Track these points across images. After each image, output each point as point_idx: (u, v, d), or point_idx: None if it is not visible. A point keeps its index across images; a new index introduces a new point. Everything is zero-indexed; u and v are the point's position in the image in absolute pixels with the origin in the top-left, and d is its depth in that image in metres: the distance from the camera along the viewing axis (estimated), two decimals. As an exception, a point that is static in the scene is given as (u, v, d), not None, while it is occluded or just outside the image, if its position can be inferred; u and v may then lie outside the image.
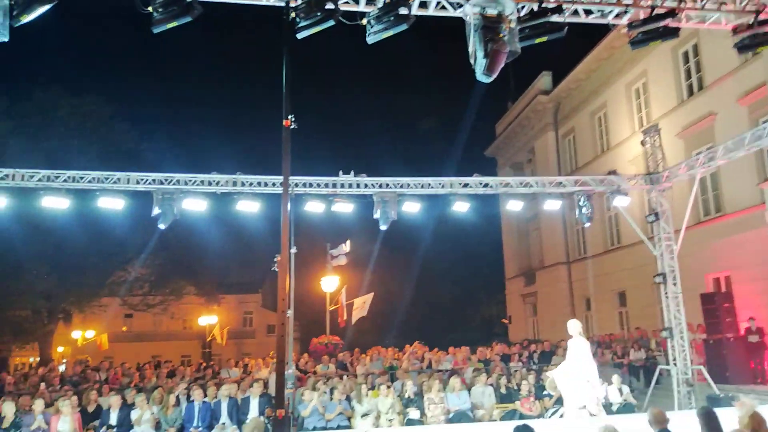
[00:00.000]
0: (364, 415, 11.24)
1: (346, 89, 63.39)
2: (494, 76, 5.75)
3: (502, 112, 33.45)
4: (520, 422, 5.48)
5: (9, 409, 10.60)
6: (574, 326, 9.48)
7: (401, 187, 12.37)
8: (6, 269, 22.64)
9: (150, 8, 5.37)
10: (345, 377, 13.81)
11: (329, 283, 21.39)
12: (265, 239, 26.89)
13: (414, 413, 11.36)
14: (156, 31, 5.40)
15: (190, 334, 42.10)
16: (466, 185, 12.66)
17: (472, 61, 5.92)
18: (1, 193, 11.14)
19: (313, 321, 29.04)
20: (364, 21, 6.00)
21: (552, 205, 13.47)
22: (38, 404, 10.73)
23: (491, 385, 12.52)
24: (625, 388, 12.30)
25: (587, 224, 13.36)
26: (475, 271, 41.00)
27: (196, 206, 11.93)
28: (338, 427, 10.96)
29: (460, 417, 11.42)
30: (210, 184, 11.95)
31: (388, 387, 11.76)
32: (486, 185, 12.80)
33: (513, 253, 32.95)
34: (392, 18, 5.98)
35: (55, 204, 11.28)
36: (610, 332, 20.72)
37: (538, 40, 6.45)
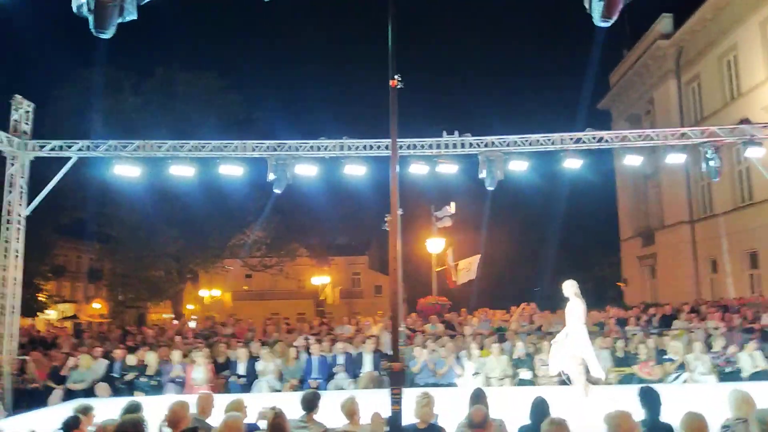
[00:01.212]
0: (475, 373, 11.35)
1: (449, 46, 62.08)
2: (613, 19, 5.35)
3: (617, 61, 31.22)
4: (640, 386, 5.29)
5: (152, 358, 11.90)
6: (569, 287, 8.71)
7: (507, 145, 12.03)
8: (141, 234, 25.06)
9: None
10: (453, 337, 13.95)
11: (435, 244, 21.51)
12: (370, 202, 27.48)
13: (525, 374, 11.30)
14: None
15: (304, 293, 44.38)
16: (578, 140, 12.07)
17: (586, 4, 5.56)
18: (134, 163, 12.21)
19: (419, 282, 29.46)
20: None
21: (675, 159, 12.53)
22: (176, 355, 11.94)
23: (606, 348, 12.11)
24: (758, 354, 11.41)
25: (716, 179, 12.31)
26: (587, 231, 39.14)
27: (307, 171, 12.39)
28: (448, 385, 11.16)
29: (573, 379, 11.18)
30: (319, 149, 12.33)
31: (500, 347, 11.75)
32: (600, 140, 12.11)
33: (629, 213, 31.14)
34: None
35: (182, 172, 12.19)
36: (739, 296, 19.16)
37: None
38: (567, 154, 11.96)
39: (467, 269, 19.43)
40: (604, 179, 31.37)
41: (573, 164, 12.00)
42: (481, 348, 12.19)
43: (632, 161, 12.68)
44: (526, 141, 12.06)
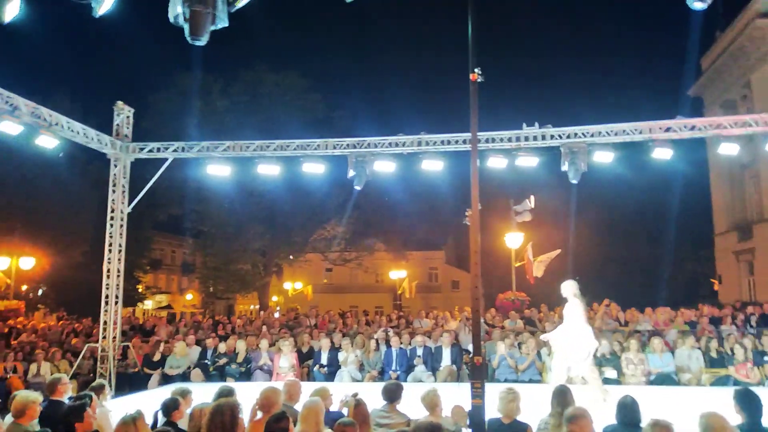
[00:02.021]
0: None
1: (529, 34, 60.43)
2: (710, 0, 5.06)
3: (709, 44, 29.29)
4: (736, 389, 5.00)
5: (241, 346, 12.54)
6: (568, 287, 8.58)
7: (591, 135, 11.62)
8: (230, 230, 26.38)
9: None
10: (533, 333, 13.71)
11: (514, 239, 21.15)
12: (447, 197, 27.42)
13: (610, 372, 10.95)
14: (349, 0, 5.74)
15: (382, 287, 44.91)
16: (667, 129, 11.46)
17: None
18: (224, 162, 12.87)
19: (498, 278, 29.10)
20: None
21: (776, 147, 11.62)
22: (263, 344, 12.52)
23: (698, 348, 11.51)
24: None
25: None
26: (677, 225, 36.81)
27: (385, 167, 12.55)
28: (530, 381, 11.01)
29: (663, 379, 10.74)
30: (397, 145, 12.45)
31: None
32: (692, 128, 11.43)
33: (724, 205, 29.22)
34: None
35: (268, 171, 12.71)
36: None
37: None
38: (656, 143, 11.39)
39: (545, 262, 18.98)
40: (697, 170, 29.57)
41: (663, 154, 11.42)
42: (564, 345, 11.89)
43: (728, 150, 11.85)
44: (612, 131, 11.60)
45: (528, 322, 15.13)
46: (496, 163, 11.94)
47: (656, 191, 33.70)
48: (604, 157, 11.61)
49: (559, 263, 19.41)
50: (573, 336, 8.46)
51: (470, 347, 11.38)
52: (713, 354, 11.34)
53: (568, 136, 11.68)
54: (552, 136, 11.77)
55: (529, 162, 11.85)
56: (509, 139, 11.97)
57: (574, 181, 11.56)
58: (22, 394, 5.47)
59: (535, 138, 11.86)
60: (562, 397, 5.54)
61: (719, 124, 11.51)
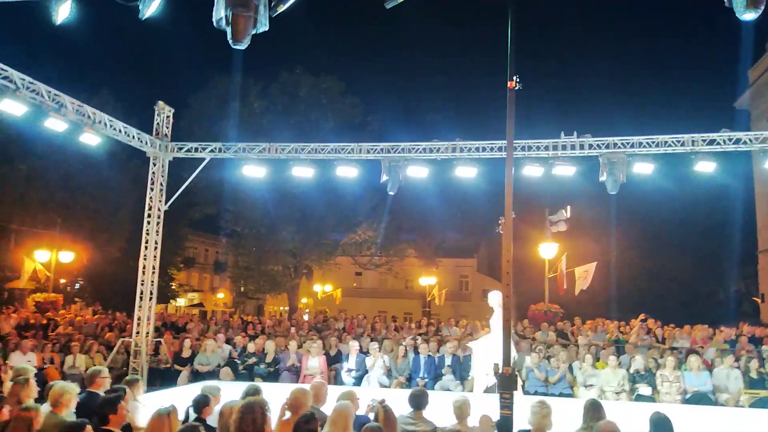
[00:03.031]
0: (588, 385, 10.88)
1: (568, 42, 59.63)
2: (761, 9, 4.86)
3: (758, 55, 28.41)
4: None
5: (270, 346, 12.63)
6: (494, 298, 8.76)
7: (632, 146, 11.37)
8: (263, 230, 26.71)
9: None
10: (566, 346, 13.47)
11: (548, 249, 20.82)
12: (480, 205, 27.21)
13: (644, 389, 10.65)
14: (389, 6, 5.75)
15: (411, 293, 44.80)
16: (711, 142, 11.13)
17: (726, -3, 5.11)
18: (260, 164, 13.03)
19: (530, 288, 28.71)
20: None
21: (827, 163, 11.16)
22: (292, 345, 12.59)
23: (737, 368, 11.10)
24: None
25: None
26: (719, 241, 35.77)
27: (418, 173, 12.52)
28: (559, 394, 10.80)
29: (699, 398, 10.39)
30: (431, 150, 12.40)
31: (617, 360, 11.18)
32: (737, 141, 11.07)
33: (768, 221, 28.25)
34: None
35: (303, 173, 12.81)
36: None
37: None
38: (699, 156, 11.08)
39: (584, 278, 18.60)
40: (741, 184, 28.66)
41: (705, 168, 11.09)
42: (596, 359, 11.65)
43: (775, 165, 11.47)
44: (653, 142, 11.34)
45: (560, 335, 14.86)
46: (532, 171, 11.78)
47: (698, 205, 32.74)
48: (644, 169, 11.34)
49: (595, 275, 19.02)
50: (496, 346, 8.47)
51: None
52: (753, 374, 10.93)
53: (607, 146, 11.46)
54: (590, 146, 11.57)
55: (565, 171, 11.65)
56: (546, 148, 11.81)
57: (613, 192, 11.32)
58: (59, 385, 5.60)
59: (572, 147, 11.67)
60: (594, 411, 5.41)
61: (766, 138, 11.12)
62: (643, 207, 32.11)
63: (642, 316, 15.79)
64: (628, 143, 11.37)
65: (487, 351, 8.73)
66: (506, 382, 5.71)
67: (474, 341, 9.46)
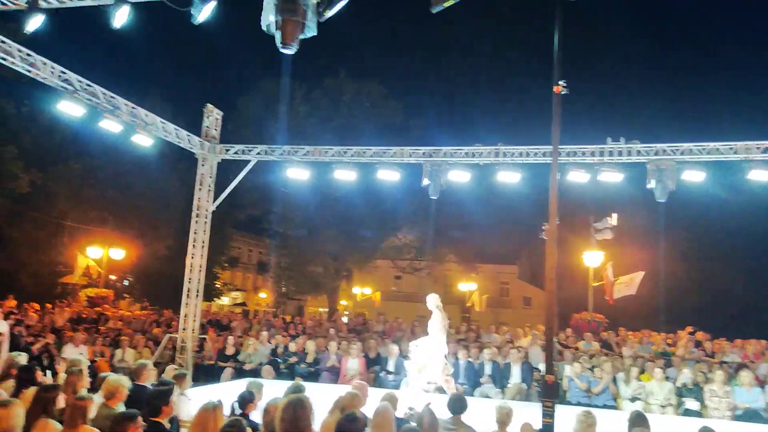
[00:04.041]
0: (633, 398, 10.61)
1: (617, 46, 58.08)
2: None
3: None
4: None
5: (311, 347, 12.81)
6: (432, 300, 9.25)
7: (681, 153, 11.06)
8: (305, 232, 27.07)
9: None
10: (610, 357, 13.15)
11: (592, 257, 20.39)
12: (523, 210, 26.80)
13: (692, 404, 10.33)
14: (435, 11, 5.78)
15: (450, 299, 44.31)
16: (766, 150, 10.72)
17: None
18: (304, 166, 13.25)
19: (573, 296, 28.19)
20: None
21: None
22: (332, 346, 12.72)
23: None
24: None
25: None
26: (776, 253, 34.27)
27: (460, 177, 12.48)
28: (603, 406, 10.55)
29: (750, 415, 9.99)
30: (474, 155, 12.34)
31: (663, 373, 10.86)
32: (795, 150, 10.64)
33: (829, 233, 26.90)
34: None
35: (345, 176, 12.96)
36: None
37: None
38: (752, 164, 10.69)
39: (627, 284, 18.14)
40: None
41: (760, 176, 10.69)
42: (642, 371, 11.35)
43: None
44: (704, 149, 10.99)
45: (604, 345, 14.51)
46: (577, 177, 11.60)
47: (751, 215, 31.33)
48: (695, 177, 11.02)
49: (642, 285, 18.52)
50: (431, 347, 9.07)
51: (541, 366, 11.11)
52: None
53: (656, 153, 11.18)
54: (638, 152, 11.32)
55: (612, 178, 11.42)
56: (592, 153, 11.61)
57: (661, 200, 11.03)
58: (114, 377, 5.82)
59: (620, 153, 11.44)
60: (639, 423, 5.30)
61: (827, 146, 10.63)
62: (692, 215, 30.96)
63: (689, 329, 15.28)
64: (677, 150, 11.07)
65: (422, 351, 9.21)
66: (549, 390, 5.64)
67: (414, 341, 9.81)
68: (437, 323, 9.15)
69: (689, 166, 10.97)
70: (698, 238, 34.19)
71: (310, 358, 12.55)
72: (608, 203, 20.38)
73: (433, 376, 9.16)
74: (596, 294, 19.45)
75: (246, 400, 5.50)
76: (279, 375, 12.16)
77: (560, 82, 6.35)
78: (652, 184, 11.02)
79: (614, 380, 11.19)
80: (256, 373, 12.11)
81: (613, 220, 19.50)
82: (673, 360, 12.28)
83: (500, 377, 11.52)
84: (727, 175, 11.75)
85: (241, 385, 6.52)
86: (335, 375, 11.99)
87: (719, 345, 14.22)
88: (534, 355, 12.74)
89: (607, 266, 19.34)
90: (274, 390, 6.43)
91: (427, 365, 9.12)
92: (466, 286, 36.97)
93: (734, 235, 34.81)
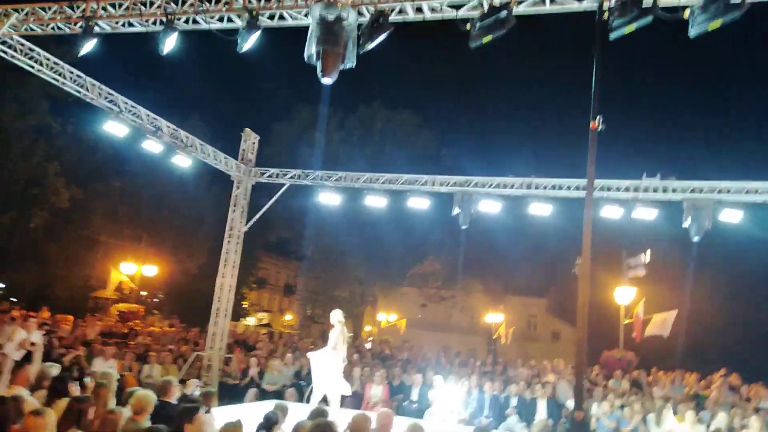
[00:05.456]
0: (664, 440, 10.28)
1: (655, 82, 57.52)
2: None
3: None
4: None
5: (335, 371, 12.73)
6: (335, 315, 9.68)
7: (719, 192, 10.88)
8: (333, 256, 27.21)
9: (467, 26, 5.92)
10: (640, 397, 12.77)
11: (624, 294, 19.97)
12: (552, 243, 26.50)
13: (726, 450, 9.93)
14: (473, 46, 5.91)
15: (476, 330, 43.78)
16: (808, 191, 10.48)
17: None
18: (335, 191, 13.43)
19: (604, 333, 27.58)
20: (687, 13, 5.50)
21: None
22: (356, 371, 12.66)
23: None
24: None
25: None
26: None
27: (491, 208, 12.47)
28: (632, 448, 10.25)
29: (788, 467, 9.56)
30: (505, 186, 12.34)
31: (696, 415, 10.51)
32: (839, 191, 10.36)
33: None
34: (721, 5, 5.35)
35: (375, 203, 13.08)
36: None
37: None
38: (793, 206, 10.45)
39: (660, 325, 17.67)
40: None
41: (801, 218, 10.43)
42: (673, 413, 10.98)
43: None
44: (742, 189, 10.79)
45: (634, 384, 14.11)
46: (611, 212, 11.48)
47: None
48: (732, 216, 10.79)
49: (674, 324, 18.02)
50: (330, 358, 9.42)
51: (568, 402, 10.87)
52: None
53: (692, 191, 11.02)
54: (674, 190, 11.17)
55: (647, 215, 11.28)
56: (627, 189, 11.50)
57: (696, 239, 10.81)
58: (141, 392, 5.91)
59: (655, 190, 11.30)
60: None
61: None
62: (730, 255, 30.13)
63: (723, 371, 14.76)
64: (714, 189, 10.90)
65: (321, 361, 9.54)
66: (578, 428, 5.54)
67: (313, 352, 10.17)
68: (338, 335, 9.64)
69: (727, 206, 10.76)
70: (734, 279, 33.21)
71: (333, 383, 12.48)
72: (642, 239, 20.01)
73: (333, 385, 9.54)
74: (627, 331, 19.00)
75: (272, 422, 5.54)
76: (302, 398, 12.13)
77: (597, 118, 6.35)
78: (687, 223, 10.83)
79: (644, 421, 10.86)
80: (279, 395, 12.11)
81: (647, 256, 19.12)
82: (707, 403, 11.87)
83: (526, 412, 11.29)
84: (766, 216, 11.48)
85: (265, 406, 6.54)
86: (359, 401, 11.91)
87: (756, 390, 13.69)
88: (562, 391, 12.46)
89: (639, 304, 18.91)
90: (297, 413, 6.45)
91: (326, 376, 9.56)
92: (493, 317, 36.46)
93: (773, 277, 33.65)
